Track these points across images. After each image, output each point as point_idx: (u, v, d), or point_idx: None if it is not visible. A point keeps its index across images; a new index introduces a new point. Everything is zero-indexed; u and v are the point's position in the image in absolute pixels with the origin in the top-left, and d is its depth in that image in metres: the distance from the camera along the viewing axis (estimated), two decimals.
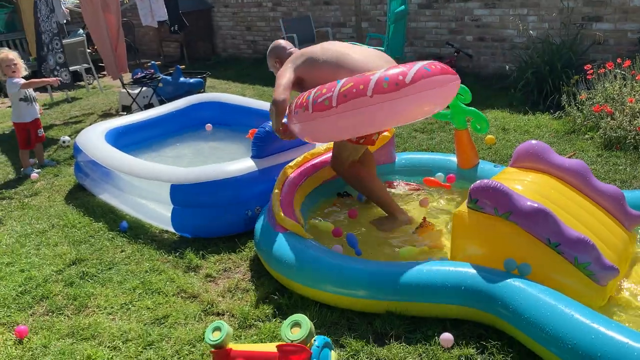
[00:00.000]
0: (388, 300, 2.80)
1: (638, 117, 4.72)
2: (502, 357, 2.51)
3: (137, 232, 4.05)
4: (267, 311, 2.99)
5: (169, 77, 7.60)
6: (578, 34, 6.57)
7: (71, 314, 3.14)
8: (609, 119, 4.91)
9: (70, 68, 8.87)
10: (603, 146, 4.85)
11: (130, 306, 3.17)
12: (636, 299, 2.75)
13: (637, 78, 5.03)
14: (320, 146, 4.11)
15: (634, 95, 4.89)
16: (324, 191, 3.97)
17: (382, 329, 2.75)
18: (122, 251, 3.81)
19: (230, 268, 3.51)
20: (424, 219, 3.59)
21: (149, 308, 3.12)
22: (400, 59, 7.81)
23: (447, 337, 2.63)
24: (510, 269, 2.71)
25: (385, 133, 4.15)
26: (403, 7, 7.46)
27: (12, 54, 5.43)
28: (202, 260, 3.60)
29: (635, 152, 4.59)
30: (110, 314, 3.12)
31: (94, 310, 3.15)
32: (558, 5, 6.81)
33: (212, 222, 3.86)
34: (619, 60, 5.29)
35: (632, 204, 3.15)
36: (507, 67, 7.16)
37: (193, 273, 3.48)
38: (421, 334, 2.71)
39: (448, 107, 3.97)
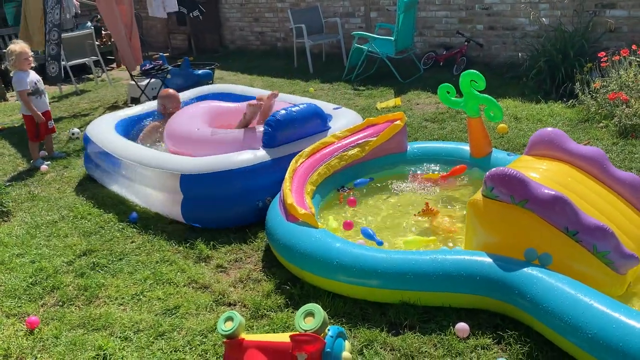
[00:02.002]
0: (402, 289, 2.76)
1: None
2: (520, 347, 2.46)
3: (147, 222, 4.03)
4: (280, 301, 2.96)
5: (177, 69, 7.57)
6: (591, 22, 6.46)
7: (82, 305, 3.12)
8: (624, 106, 4.82)
9: (79, 61, 8.91)
10: (618, 134, 4.76)
11: (141, 297, 3.15)
12: None
13: None
14: (332, 135, 4.07)
15: None
16: (323, 190, 3.87)
17: (396, 318, 2.72)
18: (132, 242, 3.79)
19: (241, 258, 3.48)
20: (427, 204, 3.55)
21: (159, 298, 3.10)
22: (410, 49, 7.76)
23: (462, 327, 2.59)
24: (531, 259, 2.66)
25: (398, 122, 4.10)
26: None
27: (27, 47, 5.41)
28: (212, 251, 3.57)
29: None
30: (121, 304, 3.10)
31: (105, 301, 3.13)
32: None
33: (222, 212, 3.83)
34: (634, 47, 5.19)
35: None
36: (519, 55, 7.06)
37: (204, 263, 3.46)
38: (436, 324, 2.67)
39: (461, 94, 3.92)
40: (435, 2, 8.12)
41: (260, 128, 4.33)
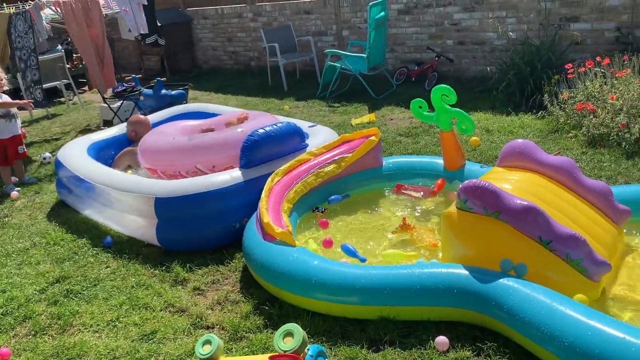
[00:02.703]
0: (381, 305, 2.76)
1: (620, 114, 4.76)
2: (499, 358, 2.48)
3: (121, 247, 3.96)
4: (258, 322, 2.93)
5: (150, 90, 7.52)
6: (556, 35, 6.63)
7: (55, 334, 3.05)
8: (591, 116, 4.94)
9: (50, 84, 8.80)
10: (587, 144, 4.87)
11: (117, 323, 3.08)
12: (628, 293, 2.73)
13: (617, 75, 5.08)
14: (308, 152, 4.07)
15: (615, 92, 4.93)
16: (300, 208, 3.85)
17: (375, 334, 2.71)
18: (107, 267, 3.72)
19: (218, 280, 3.44)
20: (404, 219, 3.57)
21: (136, 324, 3.05)
22: (382, 66, 7.86)
23: (442, 340, 2.59)
24: (506, 270, 2.68)
25: (373, 137, 4.13)
26: (383, 13, 7.48)
27: (1, 71, 5.34)
28: (189, 274, 3.52)
29: (618, 149, 4.61)
30: (96, 331, 3.03)
31: (80, 329, 3.06)
32: (536, 7, 6.88)
33: (198, 234, 3.79)
34: (598, 59, 5.34)
35: (619, 199, 3.15)
36: (488, 69, 7.20)
37: (180, 287, 3.41)
38: (416, 338, 2.67)
39: (433, 109, 3.97)
40: (405, 18, 8.26)
41: (239, 128, 4.32)
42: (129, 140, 5.39)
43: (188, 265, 3.60)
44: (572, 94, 5.32)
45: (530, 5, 6.95)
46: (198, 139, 4.44)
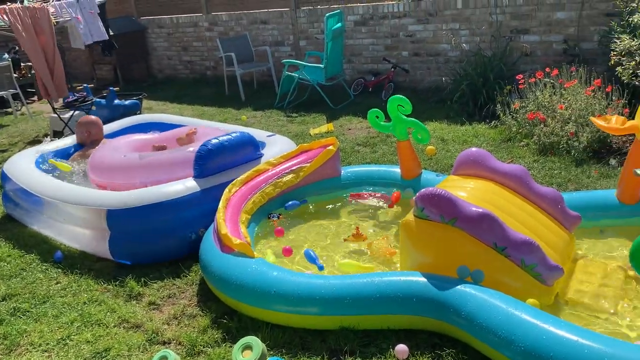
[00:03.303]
0: (341, 315, 2.75)
1: (569, 123, 4.92)
2: None
3: (73, 262, 3.82)
4: (216, 336, 2.87)
5: (102, 100, 7.33)
6: (507, 46, 6.83)
7: (1, 355, 2.89)
8: (542, 125, 5.10)
9: None
10: (538, 152, 5.02)
11: (67, 341, 2.96)
12: (579, 297, 2.81)
13: (565, 86, 5.26)
14: (266, 162, 4.04)
15: (564, 102, 5.10)
16: (258, 219, 3.81)
17: (336, 345, 2.69)
18: (57, 283, 3.58)
19: (175, 294, 3.36)
20: (357, 228, 3.58)
21: (88, 341, 2.93)
22: (339, 76, 7.91)
23: (402, 348, 2.59)
24: (463, 276, 2.72)
25: (331, 147, 4.13)
26: (340, 24, 7.55)
27: None
28: (144, 288, 3.42)
29: (568, 157, 4.77)
30: (45, 351, 2.90)
31: (27, 349, 2.92)
32: (487, 19, 7.08)
33: (153, 247, 3.70)
34: (547, 70, 5.52)
35: (570, 205, 3.24)
36: (443, 79, 7.35)
37: (135, 301, 3.31)
38: (376, 347, 2.67)
39: (389, 118, 4.01)
40: (362, 30, 8.35)
41: (191, 147, 4.26)
42: (79, 144, 5.21)
43: (143, 279, 3.50)
44: (523, 104, 5.48)
45: (482, 17, 7.14)
46: (149, 158, 4.35)
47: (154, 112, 8.05)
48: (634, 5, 5.40)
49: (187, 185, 3.82)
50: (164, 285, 3.44)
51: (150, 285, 3.44)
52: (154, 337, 2.93)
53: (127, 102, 7.37)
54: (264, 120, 7.36)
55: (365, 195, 4.11)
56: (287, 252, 3.48)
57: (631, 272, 2.90)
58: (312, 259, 3.33)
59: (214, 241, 3.30)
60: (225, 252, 3.16)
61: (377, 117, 4.09)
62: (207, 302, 3.19)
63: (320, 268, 3.28)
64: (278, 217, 3.83)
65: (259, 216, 3.77)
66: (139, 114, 7.17)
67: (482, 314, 2.46)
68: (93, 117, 5.43)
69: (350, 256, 3.44)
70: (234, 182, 3.75)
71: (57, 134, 7.12)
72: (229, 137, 4.11)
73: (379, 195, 4.12)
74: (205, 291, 3.30)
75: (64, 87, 7.27)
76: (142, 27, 11.28)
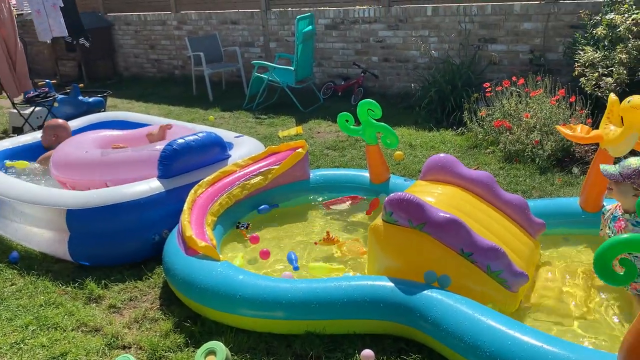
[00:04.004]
0: (307, 319, 2.71)
1: (534, 132, 5.02)
2: None
3: (29, 262, 3.68)
4: (179, 340, 2.79)
5: (65, 97, 7.13)
6: (475, 55, 6.94)
7: None
8: (508, 133, 5.18)
9: None
10: (504, 159, 5.09)
11: (22, 345, 2.84)
12: (543, 303, 2.84)
13: (531, 95, 5.36)
14: (233, 164, 3.98)
15: (529, 110, 5.20)
16: (225, 221, 3.72)
17: (301, 350, 2.65)
18: (12, 284, 3.44)
19: (136, 297, 3.26)
20: (327, 232, 3.56)
21: (44, 346, 2.82)
22: (309, 79, 7.89)
23: (367, 353, 2.57)
24: (430, 281, 2.72)
25: (300, 150, 4.10)
26: (310, 27, 7.53)
27: None
28: (104, 290, 3.32)
29: (533, 164, 4.86)
30: None
31: None
32: (457, 28, 7.17)
33: (114, 248, 3.60)
34: (514, 79, 5.62)
35: (534, 212, 3.29)
36: (412, 85, 7.42)
37: (95, 304, 3.20)
38: (341, 352, 2.64)
39: (359, 123, 4.00)
40: (332, 34, 8.36)
41: (157, 146, 4.16)
42: (45, 148, 5.04)
43: (103, 281, 3.39)
44: (489, 112, 5.56)
45: (452, 25, 7.24)
46: (111, 155, 4.24)
47: (119, 110, 7.87)
48: (598, 18, 5.54)
49: (151, 185, 3.73)
50: (125, 287, 3.35)
51: (111, 288, 3.34)
52: (113, 342, 2.84)
53: (91, 99, 7.19)
54: (232, 121, 7.28)
55: (339, 201, 4.08)
56: (265, 254, 3.42)
57: (594, 279, 2.95)
58: (290, 260, 3.33)
59: (178, 243, 3.22)
60: (189, 254, 3.09)
61: (347, 120, 4.08)
62: (170, 306, 3.11)
63: (296, 269, 3.26)
64: (247, 227, 3.74)
65: (226, 220, 3.69)
66: (103, 111, 7.01)
67: (448, 319, 2.46)
68: (61, 120, 5.27)
69: (321, 259, 3.41)
70: (200, 183, 3.68)
71: (17, 130, 6.89)
72: (196, 137, 4.03)
73: (344, 197, 4.09)
74: (168, 294, 3.22)
75: (27, 82, 7.04)
76: (109, 24, 11.05)
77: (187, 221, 3.26)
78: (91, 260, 3.58)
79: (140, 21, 10.67)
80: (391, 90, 7.98)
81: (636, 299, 2.72)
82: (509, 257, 2.72)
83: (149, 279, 3.43)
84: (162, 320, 3.00)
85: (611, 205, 3.03)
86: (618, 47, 5.03)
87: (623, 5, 5.26)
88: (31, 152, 5.05)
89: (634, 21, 5.00)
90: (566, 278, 3.00)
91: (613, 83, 4.88)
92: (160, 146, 4.18)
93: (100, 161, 4.21)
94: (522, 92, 5.49)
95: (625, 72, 4.89)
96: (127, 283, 3.39)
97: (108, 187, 4.02)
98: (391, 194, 2.82)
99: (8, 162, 4.70)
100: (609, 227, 2.93)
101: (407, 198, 2.74)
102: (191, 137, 4.00)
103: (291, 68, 7.50)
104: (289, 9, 8.72)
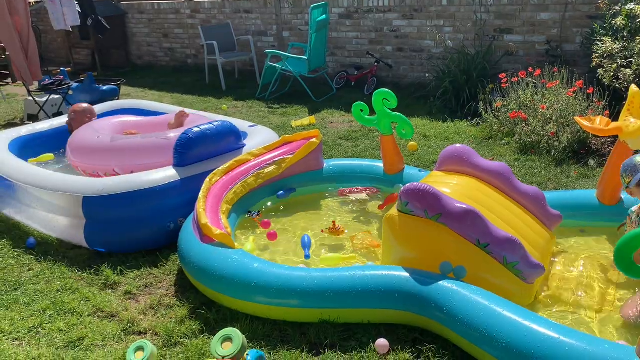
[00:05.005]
0: (321, 308, 2.72)
1: (550, 123, 4.97)
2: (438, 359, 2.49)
3: (46, 248, 3.72)
4: (194, 327, 2.81)
5: (80, 85, 7.16)
6: (491, 45, 6.87)
7: None
8: (523, 124, 5.13)
9: None
10: (519, 151, 5.05)
11: (39, 329, 2.87)
12: (559, 295, 2.83)
13: (547, 86, 5.30)
14: (248, 153, 3.98)
15: (545, 102, 5.14)
16: (240, 209, 3.74)
17: (316, 338, 2.66)
18: (29, 270, 3.48)
19: (152, 283, 3.29)
20: (333, 222, 3.56)
21: (61, 330, 2.85)
22: (322, 69, 7.86)
23: (382, 343, 2.58)
24: (445, 272, 2.71)
25: (314, 139, 4.09)
26: (324, 16, 7.49)
27: None
28: (120, 277, 3.35)
29: (548, 156, 4.81)
30: (16, 339, 2.81)
31: None
32: (472, 18, 7.10)
33: (130, 235, 3.62)
34: (530, 70, 5.56)
35: (551, 204, 3.26)
36: (426, 76, 7.36)
37: (110, 290, 3.23)
38: (356, 341, 2.65)
39: (374, 113, 3.98)
40: (346, 23, 8.31)
41: (169, 134, 4.17)
42: (70, 133, 5.03)
43: (119, 268, 3.42)
44: (505, 103, 5.51)
45: (467, 15, 7.16)
46: (119, 141, 4.25)
47: (133, 99, 7.90)
48: (617, 8, 5.46)
49: (166, 173, 3.74)
50: (141, 274, 3.37)
51: (127, 275, 3.37)
52: (129, 327, 2.86)
53: (105, 88, 7.22)
54: (245, 110, 7.28)
55: (355, 190, 4.08)
56: (272, 236, 3.47)
57: (610, 271, 2.93)
58: (304, 245, 3.36)
59: (193, 231, 3.23)
60: (205, 242, 3.11)
61: (362, 110, 4.06)
62: (185, 293, 3.13)
63: (307, 257, 3.27)
64: (258, 214, 3.76)
65: (240, 208, 3.71)
66: (117, 99, 7.03)
67: (463, 310, 2.45)
68: (85, 104, 5.23)
69: (332, 250, 3.42)
70: (215, 171, 3.69)
71: (32, 118, 6.94)
72: (211, 125, 4.04)
73: (362, 188, 4.09)
74: (183, 281, 3.24)
75: (38, 71, 7.08)
76: (122, 12, 11.06)
77: (203, 209, 3.28)
78: (107, 247, 3.61)
79: (154, 10, 10.68)
80: (405, 80, 7.93)
81: None
82: (525, 249, 2.70)
83: (164, 266, 3.45)
84: (178, 306, 3.02)
85: (637, 207, 2.95)
86: (638, 37, 4.95)
87: None
88: (45, 140, 5.08)
89: None
90: (582, 270, 2.98)
91: (632, 74, 4.80)
92: (171, 134, 4.19)
93: (109, 147, 4.23)
94: (538, 83, 5.43)
95: None
96: (142, 270, 3.41)
97: (116, 172, 4.05)
98: (407, 184, 2.81)
99: (31, 160, 4.73)
100: None
101: (423, 188, 2.73)
102: (206, 126, 4.01)
103: (304, 57, 7.47)
104: None
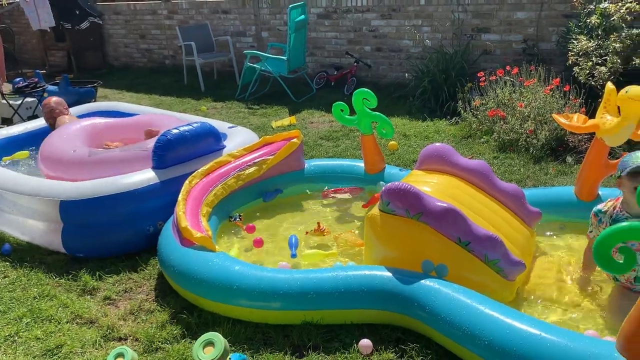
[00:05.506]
0: (304, 310, 2.70)
1: (527, 121, 5.02)
2: (421, 359, 2.49)
3: (22, 255, 3.64)
4: (175, 332, 2.78)
5: (55, 87, 7.04)
6: (469, 44, 6.92)
7: None
8: (502, 123, 5.18)
9: None
10: (498, 149, 5.10)
11: (16, 338, 2.81)
12: (540, 291, 2.85)
13: (525, 84, 5.36)
14: (228, 154, 3.95)
15: (523, 100, 5.19)
16: (220, 212, 3.69)
17: (299, 340, 2.65)
18: (4, 277, 3.40)
19: (131, 288, 3.24)
20: (318, 223, 3.56)
21: (38, 338, 2.79)
22: (302, 69, 7.84)
23: (366, 343, 2.57)
24: (427, 271, 2.72)
25: (294, 140, 4.07)
26: (303, 16, 7.48)
27: None
28: (99, 282, 3.29)
29: (527, 154, 4.86)
30: None
31: None
32: (450, 17, 7.15)
33: (109, 240, 3.56)
34: (507, 68, 5.61)
35: (530, 201, 3.29)
36: (405, 75, 7.39)
37: (89, 296, 3.17)
38: (339, 342, 2.64)
39: (354, 113, 3.98)
40: (325, 23, 8.31)
41: (148, 144, 4.10)
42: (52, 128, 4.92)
43: (98, 273, 3.36)
44: (483, 101, 5.56)
45: (445, 15, 7.21)
46: (99, 155, 4.14)
47: (110, 101, 7.79)
48: (592, 7, 5.54)
49: (145, 176, 3.69)
50: (120, 279, 3.32)
51: (106, 280, 3.31)
52: (109, 333, 2.82)
53: (81, 90, 7.11)
54: (225, 111, 7.24)
55: (340, 190, 4.07)
56: (258, 243, 3.45)
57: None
58: (291, 245, 3.35)
59: (173, 234, 3.19)
60: (185, 245, 3.07)
61: (342, 110, 4.05)
62: (166, 297, 3.09)
63: (293, 256, 3.27)
64: (240, 218, 3.73)
65: (221, 210, 3.67)
66: (94, 102, 6.93)
67: (445, 309, 2.46)
68: (54, 98, 5.14)
69: (316, 249, 3.41)
70: (194, 173, 3.65)
71: (6, 121, 6.80)
72: (190, 127, 3.99)
73: (345, 188, 4.08)
74: (163, 286, 3.20)
75: (2, 73, 6.92)
76: (98, 14, 10.91)
77: (182, 212, 3.24)
78: (85, 252, 3.55)
79: (130, 10, 10.56)
80: (384, 80, 7.96)
81: (621, 291, 2.72)
82: (506, 246, 2.72)
83: (143, 270, 3.40)
84: (158, 311, 2.98)
85: (605, 205, 2.84)
86: (612, 36, 5.03)
87: None
88: (19, 144, 4.98)
89: (628, 10, 5.00)
90: (563, 266, 3.01)
91: (607, 72, 4.88)
92: (150, 145, 4.11)
93: (87, 161, 4.10)
94: (515, 81, 5.49)
95: (619, 61, 4.90)
96: (121, 275, 3.36)
97: None
98: (388, 184, 2.80)
99: (6, 158, 4.62)
100: None
101: (404, 188, 2.73)
102: (185, 128, 3.97)
103: (283, 58, 7.45)
104: None
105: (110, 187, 3.55)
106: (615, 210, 2.74)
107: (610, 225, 2.70)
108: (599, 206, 2.86)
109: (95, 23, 8.84)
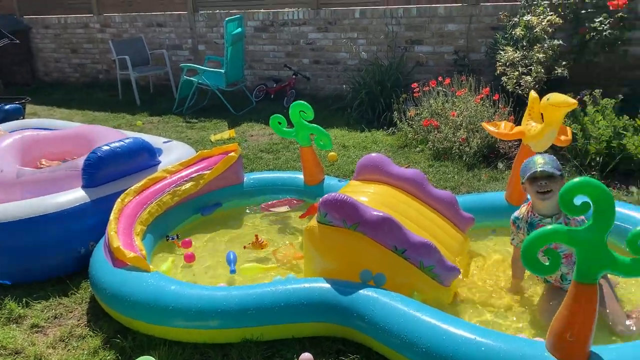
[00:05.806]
0: (244, 327, 2.65)
1: (460, 129, 5.17)
2: None
3: None
4: (109, 357, 2.66)
5: None
6: (403, 56, 7.09)
7: None
8: (436, 132, 5.31)
9: None
10: (433, 157, 5.22)
11: None
12: (475, 295, 2.92)
13: (457, 94, 5.53)
14: (163, 170, 3.85)
15: (455, 109, 5.36)
16: (156, 230, 3.58)
17: (239, 358, 2.59)
18: None
19: (61, 314, 3.09)
20: (256, 236, 3.53)
21: None
22: (240, 82, 7.79)
23: (306, 357, 2.55)
24: (366, 280, 2.73)
25: (232, 153, 4.02)
26: (240, 29, 7.44)
27: None
28: (26, 309, 3.12)
29: (460, 161, 5.01)
30: None
31: None
32: (384, 30, 7.30)
33: (37, 264, 3.39)
34: (440, 79, 5.78)
35: (463, 207, 3.38)
36: (343, 87, 7.47)
37: (15, 325, 3.00)
38: (280, 357, 2.61)
39: (292, 125, 3.98)
40: (262, 36, 8.30)
41: (79, 162, 3.95)
42: None
43: (24, 299, 3.18)
44: (418, 111, 5.69)
45: (379, 27, 7.35)
46: (28, 176, 3.96)
47: (40, 117, 7.48)
48: (516, 19, 5.80)
49: (75, 195, 3.54)
50: (49, 305, 3.16)
51: (33, 306, 3.14)
52: None
53: (7, 107, 6.77)
54: (162, 125, 7.08)
55: (277, 203, 4.04)
56: (189, 258, 3.38)
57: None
58: (229, 261, 3.29)
59: (105, 255, 3.07)
60: (117, 266, 2.96)
61: (280, 122, 4.05)
62: (98, 322, 2.96)
63: (232, 272, 3.21)
64: (177, 238, 3.64)
65: (157, 228, 3.56)
66: (22, 119, 6.62)
67: (384, 318, 2.47)
68: None
69: (254, 262, 3.37)
70: (127, 191, 3.53)
71: None
72: (122, 143, 3.87)
73: (283, 200, 4.06)
74: (95, 309, 3.06)
75: None
76: (26, 27, 10.47)
77: (114, 232, 3.12)
78: (11, 278, 3.36)
79: (60, 24, 10.19)
80: (323, 92, 8.02)
81: (552, 290, 2.83)
82: (441, 252, 2.77)
83: (74, 294, 3.25)
84: (90, 337, 2.85)
85: (519, 212, 2.89)
86: (535, 47, 5.28)
87: (539, 7, 5.52)
88: None
89: (549, 22, 5.27)
90: (496, 270, 3.10)
91: (532, 81, 5.11)
92: (81, 162, 3.95)
93: (14, 182, 3.91)
94: (448, 91, 5.66)
95: (542, 70, 5.14)
96: (51, 300, 3.20)
97: None
98: (325, 195, 2.81)
99: None
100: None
101: (341, 198, 2.75)
102: (117, 144, 3.84)
103: (221, 71, 7.38)
104: (217, 11, 8.59)
105: (37, 208, 3.38)
106: (529, 215, 2.84)
107: (527, 229, 2.80)
108: (515, 213, 2.92)
109: (14, 41, 8.45)
